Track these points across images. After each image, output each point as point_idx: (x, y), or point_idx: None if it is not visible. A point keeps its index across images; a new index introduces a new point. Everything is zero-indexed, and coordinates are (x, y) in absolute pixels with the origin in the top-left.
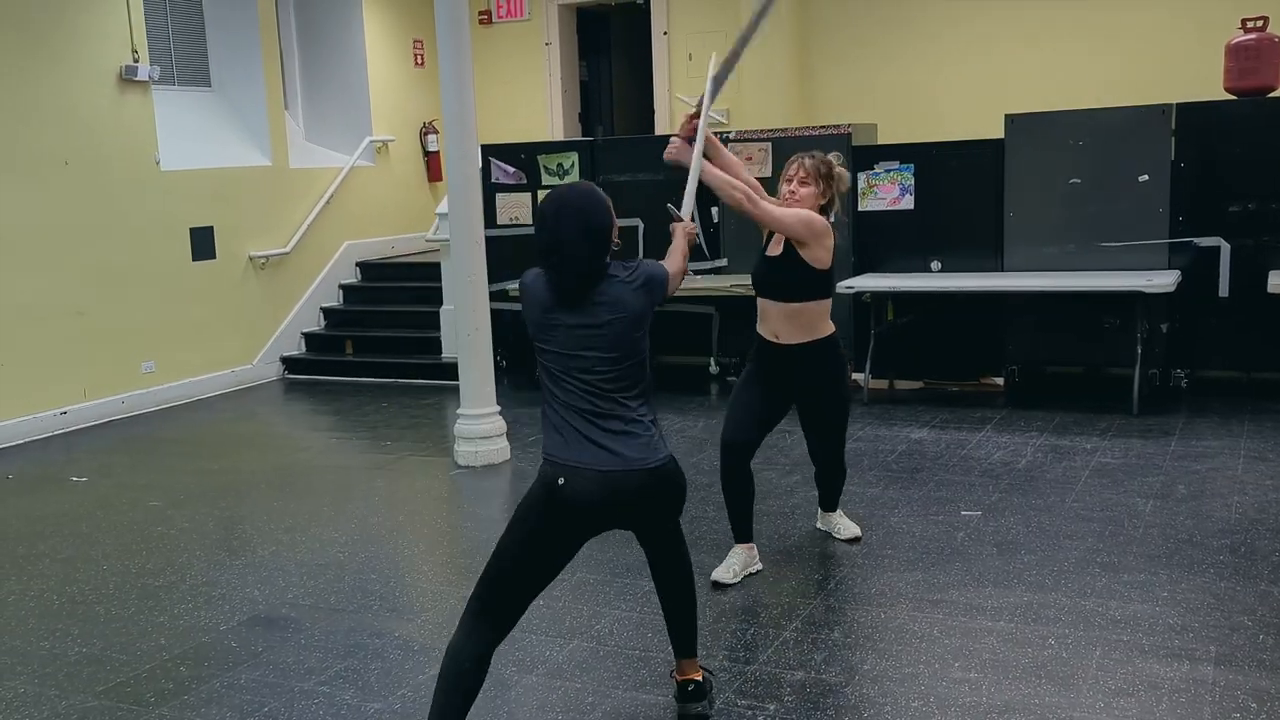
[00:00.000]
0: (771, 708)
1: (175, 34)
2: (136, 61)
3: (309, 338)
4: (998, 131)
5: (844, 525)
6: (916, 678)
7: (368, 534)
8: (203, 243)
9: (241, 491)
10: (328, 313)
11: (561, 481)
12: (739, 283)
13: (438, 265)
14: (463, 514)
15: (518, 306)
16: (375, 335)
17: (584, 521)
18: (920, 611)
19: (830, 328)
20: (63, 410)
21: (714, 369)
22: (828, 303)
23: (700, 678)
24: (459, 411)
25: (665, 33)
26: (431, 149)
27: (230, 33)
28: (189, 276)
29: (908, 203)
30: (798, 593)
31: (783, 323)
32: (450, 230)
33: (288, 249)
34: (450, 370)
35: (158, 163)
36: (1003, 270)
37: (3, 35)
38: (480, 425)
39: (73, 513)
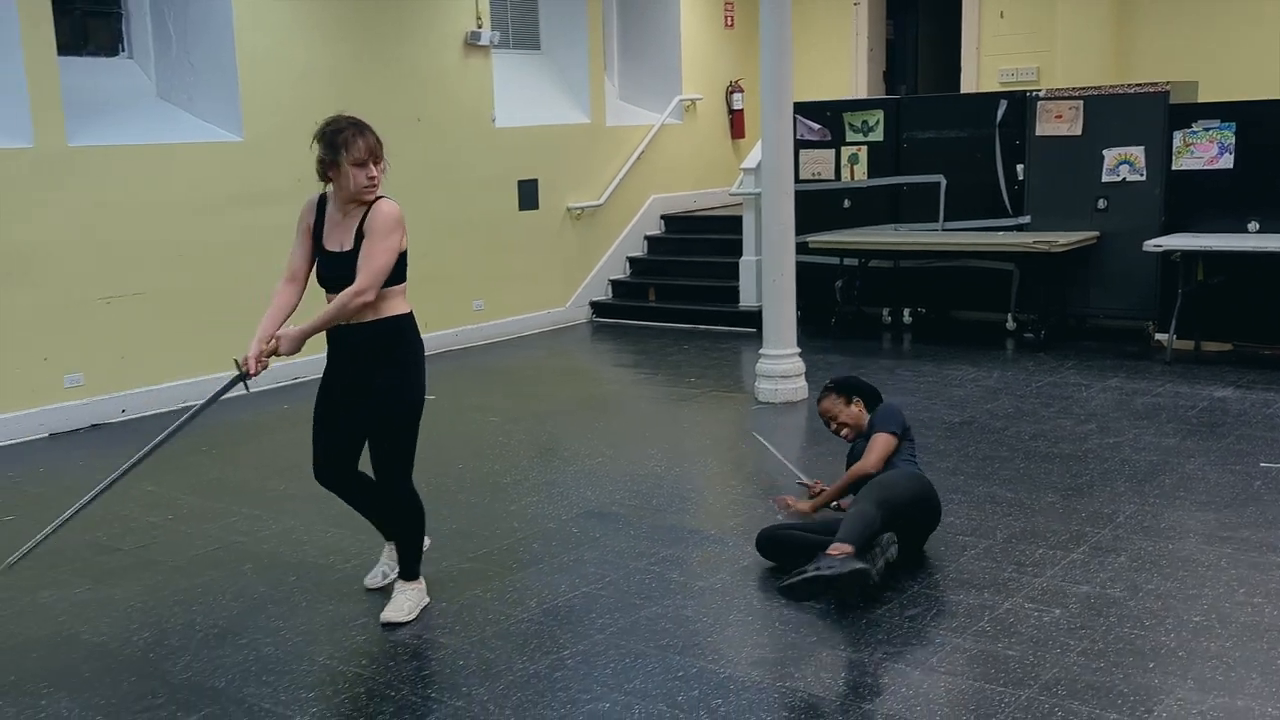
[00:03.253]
0: (1057, 612)
1: (512, 1)
2: (480, 28)
3: (615, 284)
4: None
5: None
6: (1199, 598)
7: (680, 453)
8: (528, 194)
9: (565, 414)
10: (633, 261)
11: None
12: (1041, 239)
13: (738, 219)
14: (766, 440)
15: (816, 259)
16: (676, 284)
17: None
18: (1209, 545)
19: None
20: None
21: (1011, 325)
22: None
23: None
24: (761, 351)
25: None
26: (736, 107)
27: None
28: (515, 225)
29: (1226, 161)
30: (1086, 522)
31: None
32: (762, 182)
33: (600, 201)
34: (746, 318)
35: (493, 120)
36: None
37: (367, 7)
38: (781, 365)
39: (425, 424)
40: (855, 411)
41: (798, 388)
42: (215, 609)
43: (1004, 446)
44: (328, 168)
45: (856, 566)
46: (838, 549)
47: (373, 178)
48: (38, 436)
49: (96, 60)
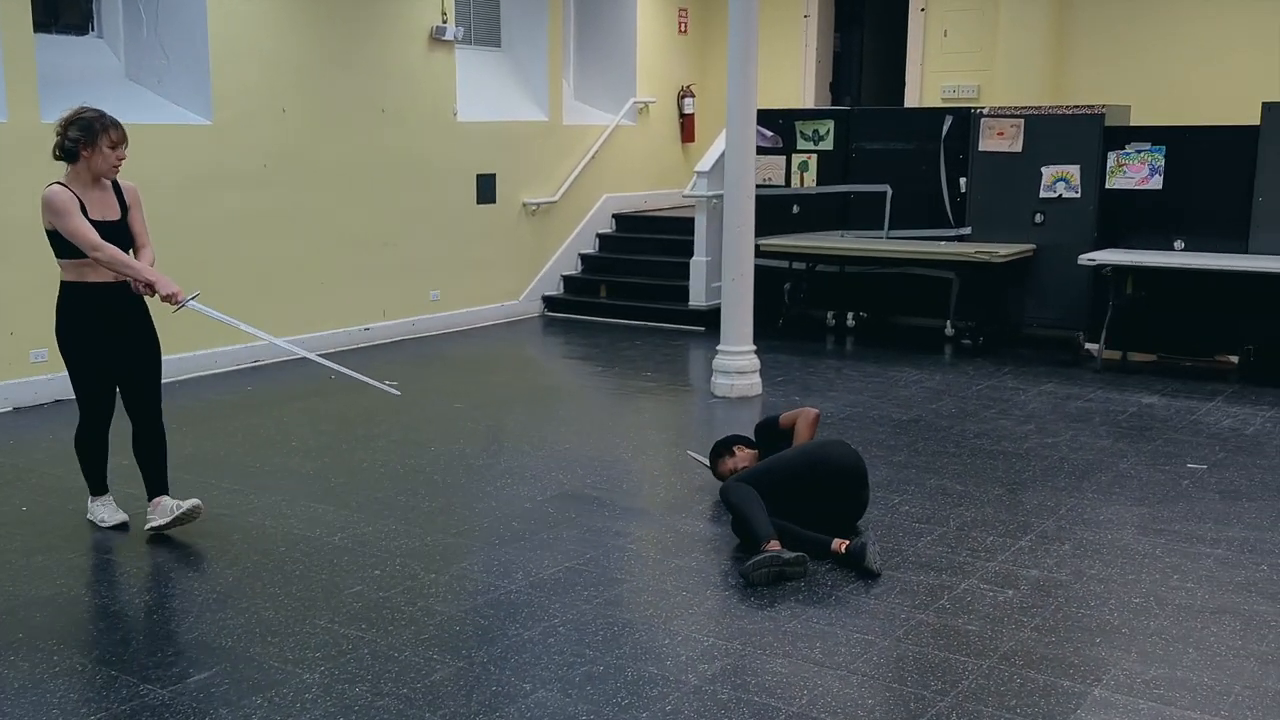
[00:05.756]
0: (1009, 593)
1: None
2: (445, 23)
3: (568, 280)
4: (1254, 119)
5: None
6: (1138, 582)
7: (645, 442)
8: (486, 188)
9: (528, 402)
10: (585, 259)
11: None
12: (982, 249)
13: (688, 220)
14: (725, 432)
15: (765, 262)
16: (627, 281)
17: None
18: (1144, 536)
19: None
20: (366, 327)
21: (949, 331)
22: None
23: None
24: (718, 348)
25: (923, 9)
26: (686, 112)
27: None
28: (473, 218)
29: (1156, 182)
30: (1032, 514)
31: None
32: (725, 185)
33: (555, 198)
34: (695, 317)
35: (455, 114)
36: (1248, 253)
37: None
38: (738, 361)
39: (393, 408)
40: (740, 454)
41: (753, 383)
42: (211, 576)
43: (950, 443)
44: (82, 148)
45: (796, 554)
46: (772, 545)
47: (121, 158)
48: (2, 410)
49: (66, 38)
